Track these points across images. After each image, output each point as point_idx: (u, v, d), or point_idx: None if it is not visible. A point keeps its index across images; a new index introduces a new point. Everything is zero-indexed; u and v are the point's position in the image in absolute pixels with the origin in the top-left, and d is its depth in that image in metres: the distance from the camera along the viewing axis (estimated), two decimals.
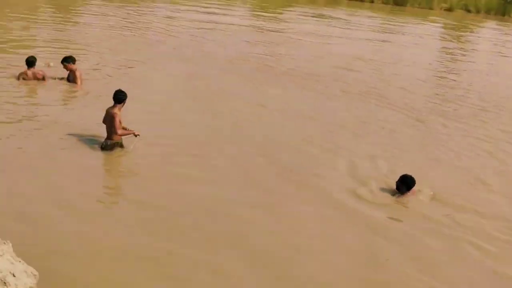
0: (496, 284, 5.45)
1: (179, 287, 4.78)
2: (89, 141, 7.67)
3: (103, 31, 16.53)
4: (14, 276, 3.46)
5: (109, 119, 7.42)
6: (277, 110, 10.33)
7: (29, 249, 4.42)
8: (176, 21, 20.44)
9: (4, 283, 3.35)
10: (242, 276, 4.99)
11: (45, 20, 17.40)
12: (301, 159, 7.98)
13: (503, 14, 34.50)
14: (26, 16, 17.37)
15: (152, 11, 22.49)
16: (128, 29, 17.29)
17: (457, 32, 26.70)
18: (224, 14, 23.95)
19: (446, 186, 7.43)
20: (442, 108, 11.65)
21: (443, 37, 24.70)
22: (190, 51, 15.17)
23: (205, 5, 25.59)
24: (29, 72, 9.97)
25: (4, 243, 3.65)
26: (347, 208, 6.58)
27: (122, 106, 7.49)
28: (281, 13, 27.14)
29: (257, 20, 23.73)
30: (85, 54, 12.76)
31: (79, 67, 10.47)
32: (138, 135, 7.51)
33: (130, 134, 7.50)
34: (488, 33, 27.60)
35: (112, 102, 7.52)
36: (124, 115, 7.65)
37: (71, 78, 10.18)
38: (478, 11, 34.91)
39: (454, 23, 29.92)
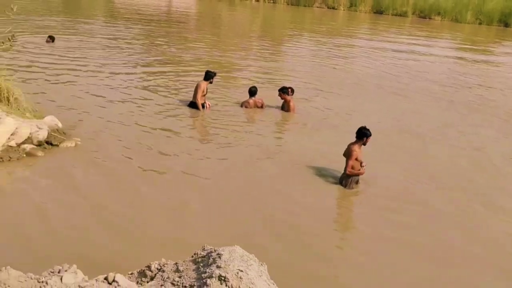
0: None
1: None
2: (322, 173, 7.64)
3: (311, 62, 17.18)
4: None
5: (347, 154, 7.29)
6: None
7: (283, 273, 4.60)
8: (381, 53, 20.37)
9: None
10: None
11: (258, 50, 18.82)
12: None
13: None
14: (242, 47, 19.00)
15: (355, 44, 22.80)
16: (333, 61, 17.65)
17: None
18: (429, 46, 23.22)
19: None
20: None
21: None
22: (400, 83, 14.84)
23: (410, 38, 25.13)
24: (251, 101, 10.72)
25: (261, 265, 3.78)
26: None
27: (362, 143, 7.27)
28: (494, 47, 25.32)
29: (467, 53, 22.45)
30: (295, 84, 13.37)
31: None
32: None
33: (359, 174, 7.25)
34: None
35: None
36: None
37: (285, 107, 10.72)
38: None
39: None
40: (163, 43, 18.26)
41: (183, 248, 4.69)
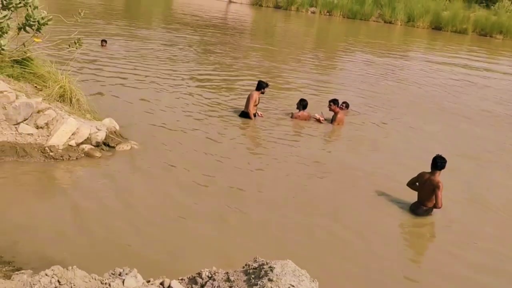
0: None
1: None
2: (376, 194, 7.46)
3: (364, 77, 16.98)
4: None
5: (430, 187, 6.81)
6: None
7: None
8: (438, 70, 19.89)
9: None
10: None
11: (311, 62, 18.77)
12: None
13: None
14: (295, 59, 19.02)
15: (411, 60, 22.39)
16: (388, 77, 17.38)
17: None
18: (490, 65, 22.52)
19: None
20: None
21: None
22: (458, 103, 14.43)
23: (469, 56, 24.46)
24: (300, 114, 10.69)
25: (313, 281, 3.73)
26: None
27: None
28: None
29: None
30: (347, 98, 13.26)
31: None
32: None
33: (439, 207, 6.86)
34: None
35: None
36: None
37: (334, 119, 10.61)
38: None
39: None
40: (217, 51, 18.54)
41: (234, 258, 4.70)
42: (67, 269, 2.23)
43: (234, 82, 13.75)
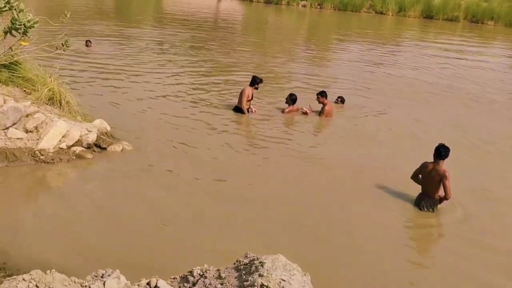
0: None
1: None
2: (373, 187, 7.37)
3: (358, 68, 16.95)
4: None
5: (436, 177, 6.66)
6: None
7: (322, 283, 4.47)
8: (431, 59, 19.89)
9: None
10: None
11: (304, 55, 18.74)
12: None
13: None
14: (287, 52, 18.98)
15: (404, 50, 22.36)
16: (382, 67, 17.36)
17: None
18: (483, 51, 22.51)
19: None
20: None
21: None
22: (452, 91, 14.41)
23: (462, 43, 24.43)
24: (290, 108, 10.68)
25: (305, 275, 3.71)
26: None
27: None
28: None
29: None
30: (342, 90, 13.24)
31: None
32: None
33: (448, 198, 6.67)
34: None
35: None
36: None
37: (322, 112, 10.60)
38: None
39: None
40: (209, 47, 18.47)
41: (226, 256, 4.67)
42: (46, 273, 2.20)
43: (226, 78, 13.70)
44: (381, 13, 38.38)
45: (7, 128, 7.08)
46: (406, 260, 5.80)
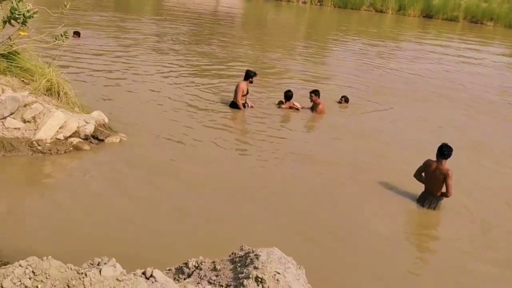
0: None
1: None
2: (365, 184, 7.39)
3: (357, 65, 16.96)
4: None
5: (440, 176, 6.69)
6: None
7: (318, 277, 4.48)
8: (430, 58, 19.92)
9: None
10: None
11: (303, 52, 18.73)
12: None
13: None
14: (286, 49, 18.98)
15: (403, 48, 22.38)
16: (379, 65, 17.33)
17: None
18: (484, 52, 22.55)
19: None
20: None
21: None
22: (449, 90, 14.41)
23: (461, 43, 24.47)
24: (286, 105, 10.73)
25: (299, 268, 3.73)
26: None
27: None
28: None
29: None
30: (340, 88, 13.26)
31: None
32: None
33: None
34: None
35: None
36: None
37: (314, 109, 10.63)
38: None
39: None
40: (208, 42, 18.45)
41: (222, 249, 4.68)
42: (42, 260, 2.21)
43: (224, 73, 13.69)
44: (381, 11, 38.35)
45: (5, 117, 7.08)
46: (406, 256, 5.82)
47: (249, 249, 3.83)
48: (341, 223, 6.22)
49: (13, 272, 2.10)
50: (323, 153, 8.54)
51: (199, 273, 3.81)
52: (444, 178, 6.67)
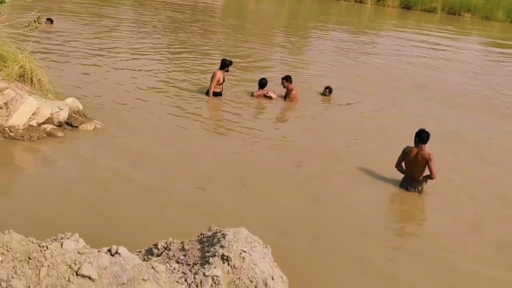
0: None
1: None
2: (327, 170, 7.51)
3: (335, 56, 17.08)
4: (273, 279, 3.59)
5: (422, 161, 6.81)
6: None
7: (283, 256, 4.56)
8: (404, 48, 20.13)
9: (266, 284, 3.48)
10: None
11: (281, 42, 18.75)
12: None
13: None
14: (265, 39, 18.98)
15: (381, 39, 22.56)
16: (358, 56, 17.46)
17: None
18: (459, 42, 22.84)
19: None
20: None
21: None
22: (424, 81, 14.57)
23: (438, 34, 24.75)
24: (259, 92, 10.74)
25: (266, 247, 3.81)
26: None
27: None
28: None
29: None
30: (317, 78, 13.34)
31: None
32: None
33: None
34: None
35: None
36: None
37: (288, 96, 10.66)
38: None
39: None
40: (186, 30, 18.36)
41: (192, 231, 4.74)
42: (4, 233, 2.25)
43: (202, 61, 13.66)
44: (361, 1, 38.57)
45: None
46: (385, 239, 5.87)
47: (216, 229, 3.91)
48: (315, 209, 6.26)
49: None
50: (300, 142, 8.57)
51: (167, 253, 3.88)
52: (425, 162, 6.82)
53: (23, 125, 7.20)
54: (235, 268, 3.38)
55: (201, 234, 3.98)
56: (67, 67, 11.12)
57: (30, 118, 7.28)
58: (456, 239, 6.00)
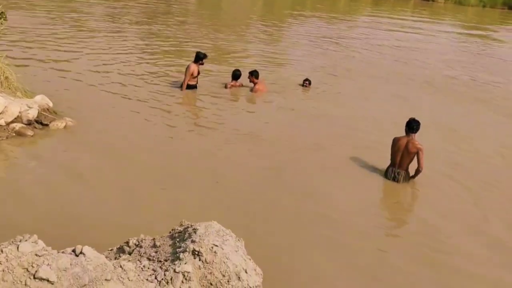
0: None
1: None
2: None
3: (311, 45, 17.05)
4: (246, 272, 3.54)
5: (412, 150, 6.72)
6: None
7: (256, 249, 4.49)
8: (380, 35, 20.21)
9: (239, 277, 3.43)
10: None
11: (257, 33, 18.66)
12: None
13: None
14: (241, 30, 18.86)
15: (356, 28, 22.61)
16: (333, 45, 17.49)
17: None
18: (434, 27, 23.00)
19: None
20: None
21: None
22: (401, 69, 14.69)
23: (413, 20, 24.87)
24: (233, 83, 10.76)
25: (238, 240, 3.76)
26: None
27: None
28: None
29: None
30: (296, 68, 13.28)
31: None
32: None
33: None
34: None
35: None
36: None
37: (252, 90, 10.68)
38: None
39: None
40: (159, 22, 18.12)
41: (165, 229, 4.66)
42: None
43: (176, 54, 13.50)
44: None
45: None
46: (368, 232, 5.70)
47: (188, 224, 3.83)
48: (297, 202, 6.17)
49: None
50: (279, 134, 8.45)
51: (139, 251, 3.80)
52: (416, 151, 6.75)
53: None
54: (207, 263, 3.32)
55: (172, 230, 3.91)
56: (36, 64, 10.87)
57: None
58: (445, 230, 5.95)
